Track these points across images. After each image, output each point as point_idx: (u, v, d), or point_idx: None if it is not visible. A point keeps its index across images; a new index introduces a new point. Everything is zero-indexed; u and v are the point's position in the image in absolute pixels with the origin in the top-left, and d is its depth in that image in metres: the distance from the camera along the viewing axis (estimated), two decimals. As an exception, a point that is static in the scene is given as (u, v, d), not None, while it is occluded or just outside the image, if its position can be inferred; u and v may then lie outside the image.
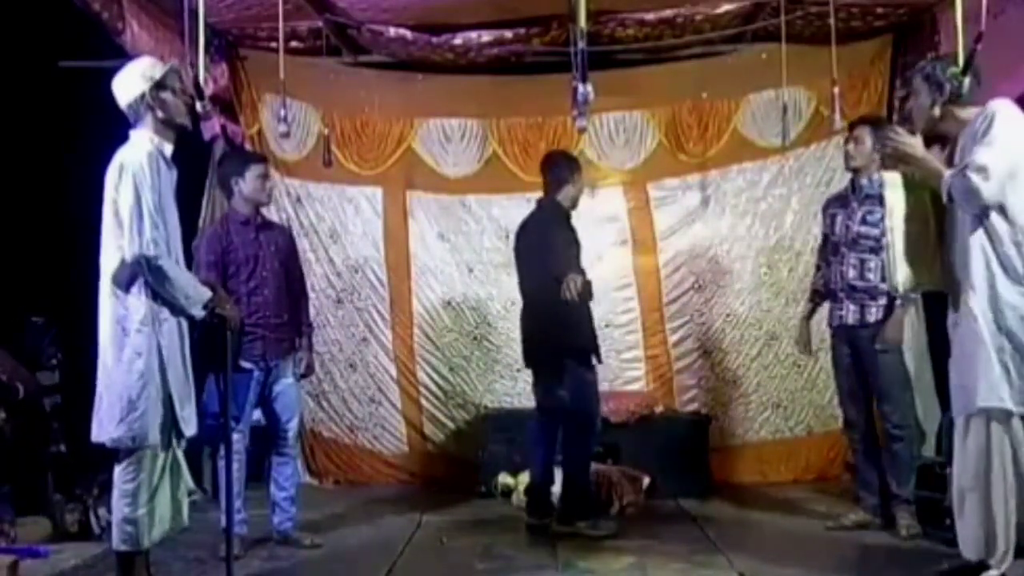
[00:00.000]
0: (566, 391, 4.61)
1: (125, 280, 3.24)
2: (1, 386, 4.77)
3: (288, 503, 4.48)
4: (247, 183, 4.38)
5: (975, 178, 3.18)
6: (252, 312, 4.28)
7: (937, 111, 3.42)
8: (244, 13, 5.33)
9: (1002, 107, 3.31)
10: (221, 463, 4.26)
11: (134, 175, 3.20)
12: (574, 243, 4.69)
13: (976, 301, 3.31)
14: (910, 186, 3.65)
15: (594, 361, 4.70)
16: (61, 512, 4.56)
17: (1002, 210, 3.24)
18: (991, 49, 3.60)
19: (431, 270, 6.21)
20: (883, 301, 4.43)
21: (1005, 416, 3.25)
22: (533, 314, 4.78)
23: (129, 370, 3.23)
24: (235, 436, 4.20)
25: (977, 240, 3.30)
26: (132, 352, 3.23)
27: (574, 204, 4.83)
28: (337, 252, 6.17)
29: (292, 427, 4.54)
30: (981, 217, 3.28)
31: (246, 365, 4.17)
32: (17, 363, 4.99)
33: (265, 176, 4.46)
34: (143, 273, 3.20)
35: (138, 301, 3.25)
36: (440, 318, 6.20)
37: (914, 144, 3.40)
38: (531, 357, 4.82)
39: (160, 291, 3.25)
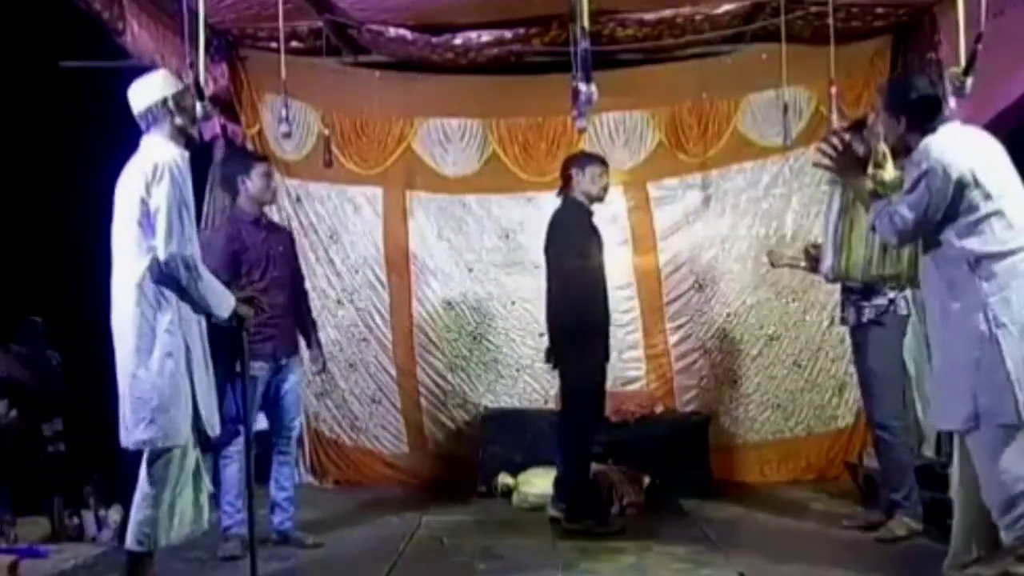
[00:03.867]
0: (577, 386, 4.75)
1: (156, 280, 3.23)
2: (9, 381, 4.78)
3: (288, 503, 4.50)
4: (253, 182, 4.41)
5: (891, 226, 3.39)
6: (263, 311, 4.30)
7: (900, 132, 3.48)
8: (244, 13, 5.33)
9: (928, 146, 3.34)
10: (222, 462, 4.30)
11: (172, 175, 3.22)
12: (580, 238, 4.79)
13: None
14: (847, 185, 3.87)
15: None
16: (61, 513, 4.57)
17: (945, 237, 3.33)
18: (991, 50, 3.61)
19: (431, 270, 6.20)
20: (877, 301, 4.43)
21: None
22: (548, 313, 4.92)
23: (160, 371, 3.23)
24: (240, 437, 4.23)
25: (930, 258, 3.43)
26: (162, 353, 3.24)
27: (590, 196, 4.85)
28: (337, 252, 6.17)
29: (296, 427, 4.60)
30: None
31: (255, 367, 4.21)
32: (17, 363, 5.00)
33: (270, 175, 4.50)
34: (178, 272, 3.20)
35: (168, 302, 3.25)
36: (440, 318, 6.20)
37: (846, 164, 3.61)
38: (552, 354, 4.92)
39: (191, 291, 3.26)
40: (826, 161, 3.65)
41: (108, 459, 3.40)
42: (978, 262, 3.27)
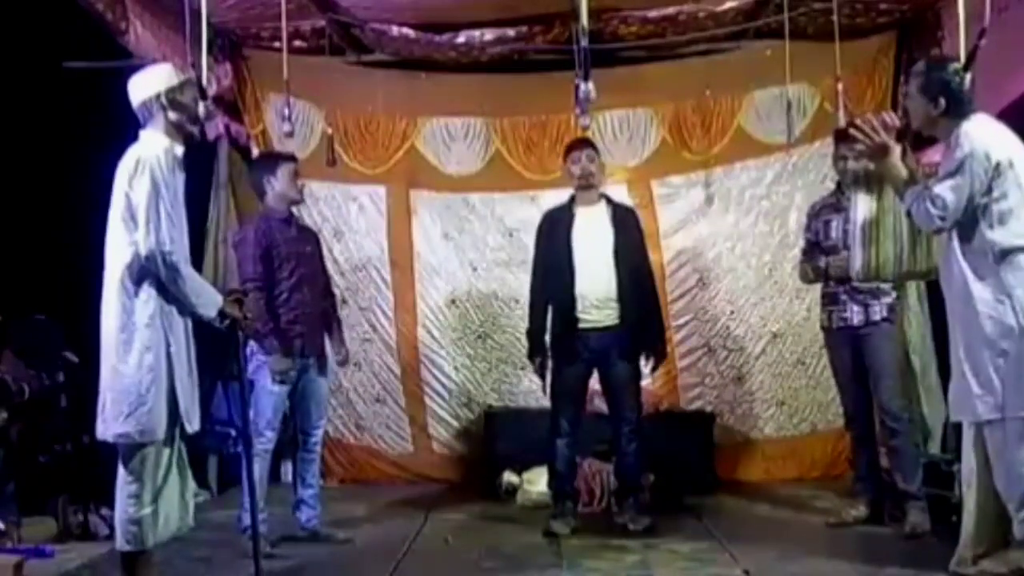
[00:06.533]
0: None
1: (137, 275, 3.24)
2: (5, 387, 4.78)
3: (314, 500, 4.56)
4: (279, 180, 4.45)
5: (932, 209, 3.33)
6: (292, 309, 4.37)
7: (932, 116, 3.45)
8: (247, 13, 5.34)
9: (968, 130, 3.34)
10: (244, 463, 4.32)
11: (151, 170, 3.21)
12: (537, 244, 4.85)
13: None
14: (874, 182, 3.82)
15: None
16: (66, 512, 4.57)
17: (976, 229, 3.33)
18: (995, 46, 3.59)
19: (435, 269, 6.21)
20: (886, 300, 4.49)
21: None
22: None
23: (139, 364, 3.22)
24: (268, 434, 4.29)
25: (954, 249, 3.41)
26: (142, 346, 3.23)
27: (576, 186, 4.78)
28: (341, 251, 6.18)
29: (321, 426, 4.66)
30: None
31: (283, 365, 4.26)
32: (22, 363, 5.00)
33: (296, 173, 4.54)
34: (157, 268, 3.20)
35: (148, 296, 3.25)
36: (444, 317, 6.20)
37: (886, 142, 3.49)
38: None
39: (172, 288, 3.25)
40: (859, 147, 3.62)
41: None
42: (1003, 255, 3.28)
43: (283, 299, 4.34)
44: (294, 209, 4.65)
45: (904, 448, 4.47)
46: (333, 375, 5.99)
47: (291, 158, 4.67)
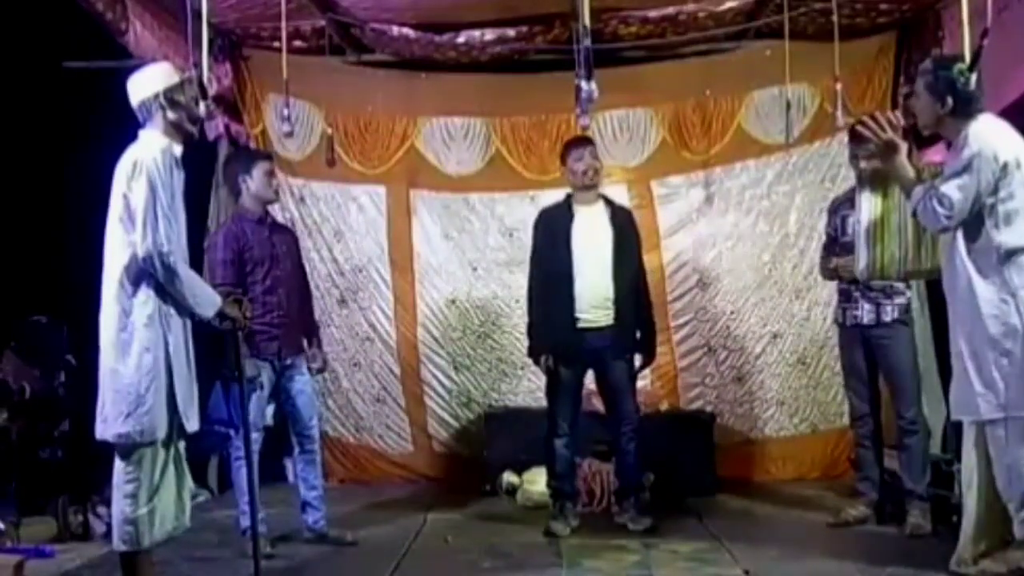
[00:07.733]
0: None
1: (135, 276, 3.24)
2: (5, 387, 4.78)
3: (319, 501, 4.52)
4: (254, 180, 4.40)
5: (939, 208, 3.33)
6: (267, 311, 4.31)
7: (939, 115, 3.45)
8: (247, 13, 5.34)
9: (976, 130, 3.35)
10: (235, 464, 4.31)
11: (148, 172, 3.21)
12: (535, 241, 4.82)
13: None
14: (880, 181, 3.80)
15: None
16: (65, 512, 4.57)
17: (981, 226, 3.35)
18: (995, 45, 3.59)
19: (435, 269, 6.21)
20: (899, 300, 4.50)
21: None
22: None
23: (138, 365, 3.23)
24: (252, 435, 4.23)
25: (958, 248, 3.41)
26: (140, 347, 3.23)
27: (576, 186, 4.76)
28: (341, 251, 6.18)
29: (315, 425, 4.59)
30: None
31: (252, 371, 4.21)
32: (22, 363, 5.00)
33: (271, 172, 4.48)
34: (155, 269, 3.20)
35: (147, 296, 3.25)
36: (444, 317, 6.20)
37: (894, 139, 3.49)
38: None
39: (169, 289, 3.25)
40: (870, 146, 3.62)
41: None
42: (1008, 255, 3.30)
43: (258, 302, 4.24)
44: (270, 208, 4.59)
45: (917, 448, 4.49)
46: (333, 375, 6.04)
47: (266, 156, 4.63)
